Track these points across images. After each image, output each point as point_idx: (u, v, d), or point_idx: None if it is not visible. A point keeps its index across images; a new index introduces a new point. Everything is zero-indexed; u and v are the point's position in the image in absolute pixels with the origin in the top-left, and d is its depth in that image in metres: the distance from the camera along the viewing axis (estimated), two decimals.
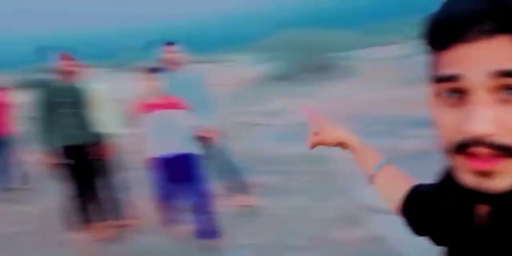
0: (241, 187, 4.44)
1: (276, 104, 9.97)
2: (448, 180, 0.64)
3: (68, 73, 3.87)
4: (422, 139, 5.76)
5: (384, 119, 7.69)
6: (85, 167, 3.99)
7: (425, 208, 0.80)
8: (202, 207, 3.73)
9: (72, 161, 3.87)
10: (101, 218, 4.19)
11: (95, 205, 4.12)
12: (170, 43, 4.05)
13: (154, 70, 3.63)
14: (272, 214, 4.41)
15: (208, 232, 3.76)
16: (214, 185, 4.17)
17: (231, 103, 11.44)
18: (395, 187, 0.98)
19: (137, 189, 4.46)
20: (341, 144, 1.15)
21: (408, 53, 13.16)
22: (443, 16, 0.56)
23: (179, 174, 3.64)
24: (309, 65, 13.40)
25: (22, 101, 6.34)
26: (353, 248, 3.57)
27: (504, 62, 0.51)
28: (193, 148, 3.72)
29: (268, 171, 5.72)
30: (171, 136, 3.62)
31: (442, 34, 0.56)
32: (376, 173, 1.05)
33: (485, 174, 0.54)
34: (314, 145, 1.18)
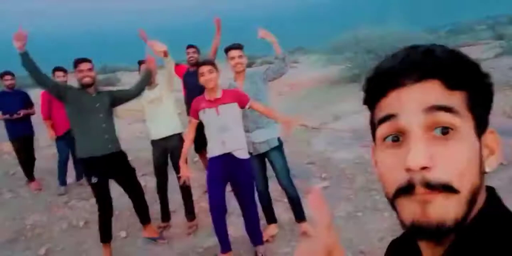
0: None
1: (340, 108, 9.70)
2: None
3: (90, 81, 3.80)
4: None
5: None
6: (116, 179, 4.01)
7: None
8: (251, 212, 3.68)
9: (96, 179, 3.77)
10: (147, 220, 4.23)
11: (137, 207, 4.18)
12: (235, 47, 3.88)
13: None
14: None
15: (254, 237, 3.70)
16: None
17: (295, 105, 11.34)
18: None
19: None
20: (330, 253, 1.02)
21: (487, 56, 12.27)
22: (377, 71, 0.64)
23: (231, 174, 3.55)
24: None
25: None
26: None
27: (435, 99, 0.57)
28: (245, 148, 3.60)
29: (319, 177, 5.56)
30: (228, 133, 3.47)
31: (376, 85, 0.63)
32: None
33: (424, 202, 0.56)
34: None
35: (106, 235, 3.85)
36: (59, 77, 5.89)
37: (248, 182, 3.60)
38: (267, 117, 3.65)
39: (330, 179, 5.43)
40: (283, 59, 3.95)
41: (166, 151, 4.30)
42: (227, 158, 3.49)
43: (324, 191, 5.08)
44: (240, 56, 3.82)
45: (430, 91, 0.58)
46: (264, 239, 3.96)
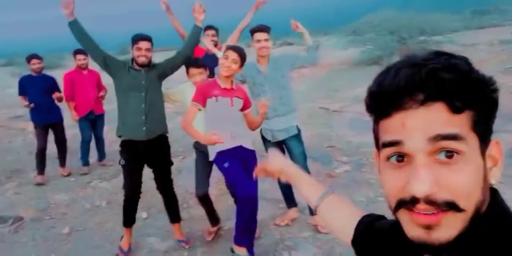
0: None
1: (361, 90, 9.58)
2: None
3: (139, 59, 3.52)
4: None
5: None
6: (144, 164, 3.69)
7: (379, 246, 0.81)
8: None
9: (124, 162, 3.57)
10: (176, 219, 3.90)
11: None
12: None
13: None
14: None
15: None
16: None
17: (315, 87, 11.24)
18: (340, 218, 1.01)
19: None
20: (282, 173, 1.22)
21: None
22: (380, 87, 0.62)
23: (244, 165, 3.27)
24: (403, 49, 12.60)
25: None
26: None
27: (440, 127, 0.57)
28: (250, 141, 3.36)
29: (340, 161, 5.51)
30: (238, 127, 3.26)
31: (381, 103, 0.62)
32: (319, 204, 1.07)
33: (429, 227, 0.57)
34: (257, 173, 1.26)
35: (128, 219, 3.72)
36: (80, 60, 5.91)
37: None
38: (248, 126, 3.41)
39: (351, 163, 5.38)
40: (317, 48, 3.87)
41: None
42: (238, 149, 3.26)
43: (344, 175, 5.05)
44: (266, 40, 3.62)
45: (435, 118, 0.57)
46: (285, 222, 3.97)
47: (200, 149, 3.72)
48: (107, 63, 3.56)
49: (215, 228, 3.91)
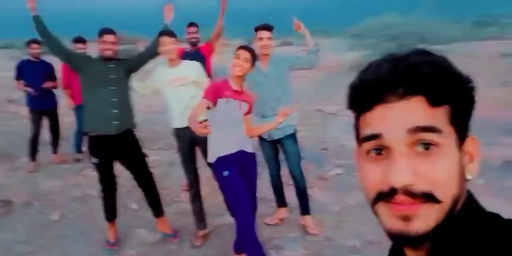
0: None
1: None
2: None
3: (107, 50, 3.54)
4: None
5: (472, 123, 7.07)
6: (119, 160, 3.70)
7: None
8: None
9: (97, 160, 3.55)
10: (160, 212, 3.91)
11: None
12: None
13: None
14: (329, 209, 4.26)
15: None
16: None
17: (312, 89, 11.27)
18: None
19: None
20: None
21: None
22: (361, 82, 0.65)
23: (244, 170, 3.19)
24: None
25: None
26: None
27: (419, 119, 0.59)
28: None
29: (332, 163, 5.54)
30: (240, 130, 3.18)
31: (362, 97, 0.64)
32: None
33: (406, 217, 0.59)
34: None
35: (110, 214, 3.76)
36: (78, 49, 5.87)
37: (256, 176, 3.36)
38: (247, 132, 3.28)
39: (344, 166, 5.41)
40: (317, 51, 3.91)
41: (194, 141, 3.66)
42: (239, 154, 3.15)
43: (337, 178, 5.08)
44: (268, 38, 3.65)
45: (414, 110, 0.59)
46: (274, 222, 4.00)
47: (180, 135, 3.70)
48: (72, 59, 3.57)
49: (203, 233, 3.82)
